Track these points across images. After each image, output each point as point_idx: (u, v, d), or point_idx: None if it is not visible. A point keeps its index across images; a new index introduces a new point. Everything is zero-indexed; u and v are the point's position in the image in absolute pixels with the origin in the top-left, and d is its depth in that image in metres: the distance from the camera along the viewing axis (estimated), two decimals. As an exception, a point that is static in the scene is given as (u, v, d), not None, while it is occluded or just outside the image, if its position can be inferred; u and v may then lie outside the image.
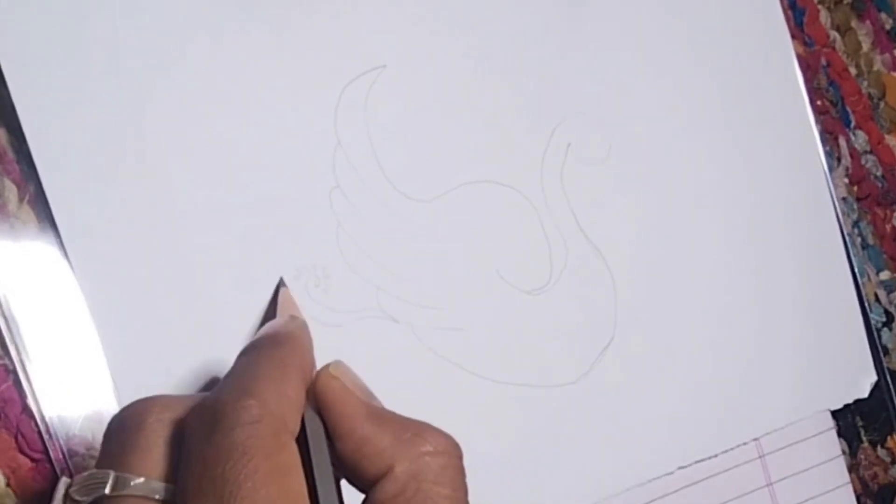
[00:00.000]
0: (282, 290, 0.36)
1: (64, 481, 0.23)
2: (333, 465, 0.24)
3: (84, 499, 0.22)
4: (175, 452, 0.23)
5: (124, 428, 0.24)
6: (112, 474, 0.22)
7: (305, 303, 0.37)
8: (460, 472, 0.25)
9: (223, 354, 0.35)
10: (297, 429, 0.24)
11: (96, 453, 0.34)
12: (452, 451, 0.25)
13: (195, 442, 0.22)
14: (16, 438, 0.34)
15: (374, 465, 0.24)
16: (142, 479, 0.22)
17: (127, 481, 0.22)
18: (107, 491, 0.22)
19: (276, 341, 0.26)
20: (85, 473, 0.23)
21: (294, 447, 0.23)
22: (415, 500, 0.23)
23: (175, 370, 0.35)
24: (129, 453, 0.23)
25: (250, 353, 0.26)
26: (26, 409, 0.34)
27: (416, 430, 0.25)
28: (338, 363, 0.26)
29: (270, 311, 0.36)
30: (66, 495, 0.23)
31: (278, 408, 0.23)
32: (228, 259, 0.36)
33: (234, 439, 0.21)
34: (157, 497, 0.22)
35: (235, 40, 0.36)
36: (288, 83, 0.37)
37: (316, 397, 0.25)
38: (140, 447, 0.23)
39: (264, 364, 0.25)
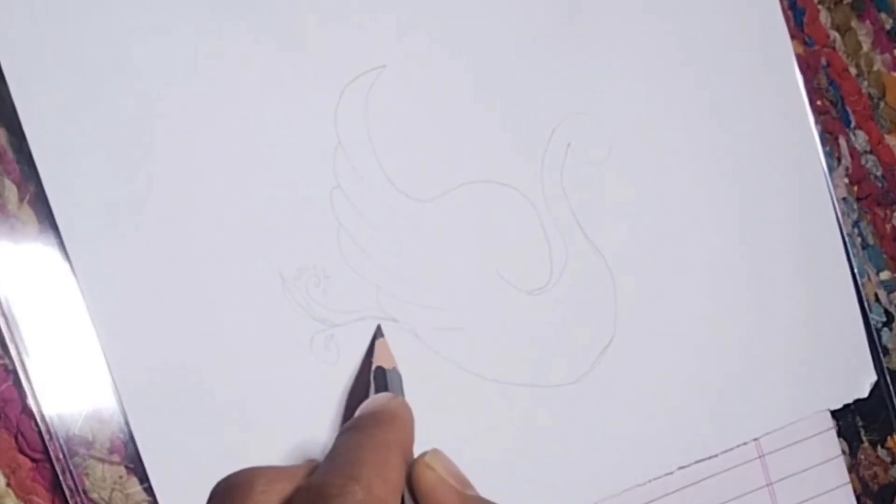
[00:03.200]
0: (378, 341, 0.37)
1: None
2: None
3: None
4: None
5: (230, 496, 0.24)
6: None
7: (306, 303, 0.37)
8: None
9: (224, 354, 0.36)
10: None
11: (96, 453, 0.34)
12: None
13: None
14: (16, 438, 0.34)
15: None
16: None
17: None
18: None
19: (378, 421, 0.27)
20: None
21: None
22: None
23: (175, 370, 0.35)
24: None
25: (354, 433, 0.26)
26: (26, 409, 0.34)
27: None
28: (434, 452, 0.27)
29: (367, 360, 0.37)
30: None
31: (381, 492, 0.23)
32: (229, 259, 0.36)
33: None
34: None
35: (236, 41, 0.36)
36: (288, 83, 0.37)
37: (412, 486, 0.26)
38: None
39: (368, 447, 0.25)
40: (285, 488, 0.24)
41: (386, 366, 0.36)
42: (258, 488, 0.24)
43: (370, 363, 0.37)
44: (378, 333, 0.37)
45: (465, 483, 0.26)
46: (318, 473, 0.24)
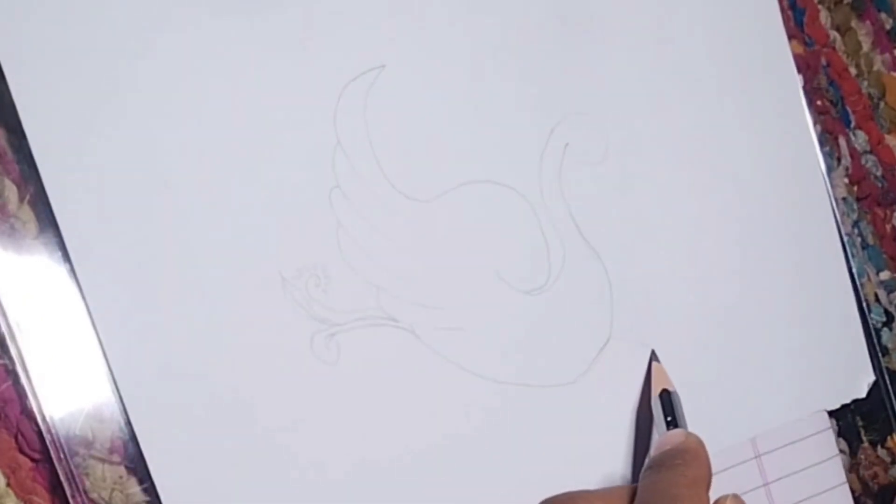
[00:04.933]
0: (654, 365, 0.39)
1: None
2: None
3: None
4: None
5: None
6: None
7: (306, 302, 0.37)
8: None
9: (224, 353, 0.36)
10: None
11: (96, 453, 0.34)
12: None
13: None
14: (16, 438, 0.34)
15: None
16: None
17: None
18: None
19: (686, 460, 0.29)
20: None
21: None
22: None
23: (175, 370, 0.35)
24: None
25: (666, 472, 0.29)
26: (26, 409, 0.34)
27: None
28: (736, 496, 0.29)
29: (646, 386, 0.39)
30: None
31: None
32: (228, 259, 0.36)
33: None
34: None
35: (236, 41, 0.36)
36: (287, 83, 0.37)
37: None
38: None
39: (683, 485, 0.28)
40: None
41: (669, 388, 0.38)
42: None
43: (648, 389, 0.39)
44: (653, 356, 0.40)
45: None
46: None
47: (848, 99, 0.47)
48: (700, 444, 0.31)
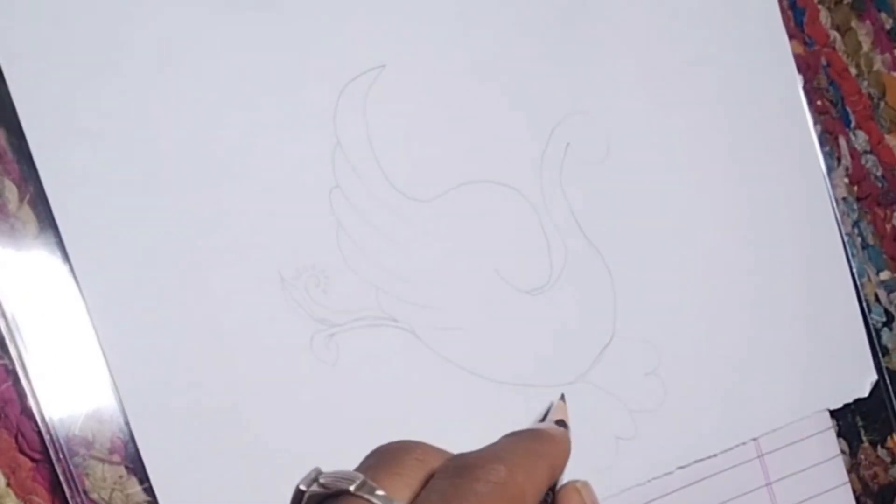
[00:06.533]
0: (558, 403, 0.39)
1: (316, 468, 0.25)
2: None
3: (330, 485, 0.25)
4: (420, 488, 0.25)
5: (388, 453, 0.26)
6: (362, 478, 0.25)
7: (305, 303, 0.37)
8: None
9: (223, 354, 0.36)
10: None
11: (96, 453, 0.34)
12: None
13: (440, 481, 0.25)
14: (16, 438, 0.34)
15: None
16: (384, 493, 0.24)
17: (372, 489, 0.24)
18: (351, 488, 0.24)
19: (537, 436, 0.29)
20: (339, 470, 0.25)
21: None
22: None
23: (175, 370, 0.35)
24: (383, 471, 0.25)
25: (513, 437, 0.29)
26: (26, 410, 0.34)
27: None
28: (585, 482, 0.29)
29: (543, 418, 0.39)
30: (315, 479, 0.25)
31: (522, 481, 0.25)
32: (228, 259, 0.36)
33: (476, 489, 0.24)
34: None
35: (235, 41, 0.36)
36: (287, 83, 0.37)
37: (557, 502, 0.28)
38: (394, 471, 0.25)
39: (522, 450, 0.27)
40: (438, 461, 0.26)
41: (565, 420, 0.37)
42: (414, 455, 0.26)
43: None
44: (561, 398, 0.39)
45: None
46: (468, 453, 0.26)
47: (848, 99, 0.47)
48: (563, 434, 0.31)
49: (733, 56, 0.44)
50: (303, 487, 0.25)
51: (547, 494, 0.28)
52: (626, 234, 0.41)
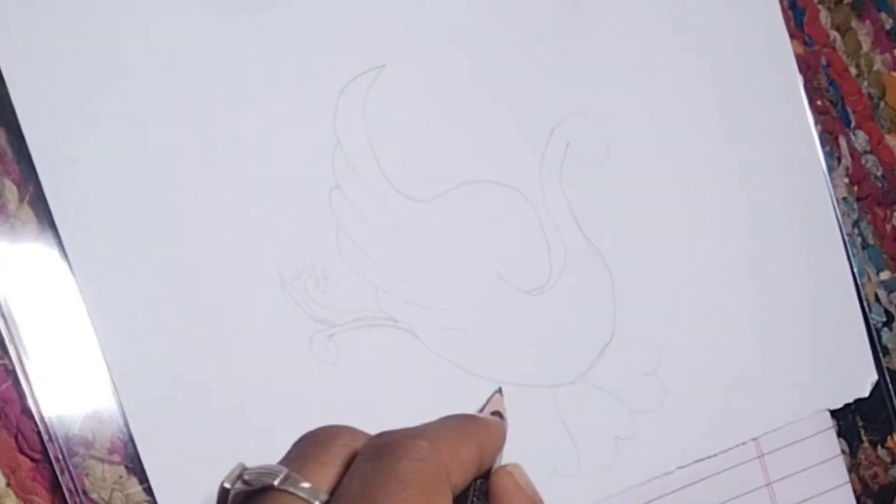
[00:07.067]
0: (495, 396, 0.38)
1: (240, 464, 0.25)
2: None
3: (254, 480, 0.24)
4: (345, 473, 0.25)
5: (312, 442, 0.26)
6: (286, 471, 0.24)
7: (305, 303, 0.37)
8: None
9: (223, 354, 0.36)
10: (459, 487, 0.25)
11: (96, 453, 0.34)
12: None
13: (362, 463, 0.24)
14: (16, 438, 0.34)
15: None
16: (309, 485, 0.24)
17: (297, 482, 0.24)
18: (275, 483, 0.24)
19: (468, 418, 0.29)
20: (264, 464, 0.25)
21: (449, 496, 0.24)
22: None
23: (174, 370, 0.35)
24: (308, 461, 0.25)
25: (444, 419, 0.28)
26: (26, 409, 0.34)
27: None
28: (517, 464, 0.28)
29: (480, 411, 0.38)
30: (239, 476, 0.25)
31: (447, 457, 0.25)
32: (228, 259, 0.36)
33: (398, 469, 0.23)
34: (316, 503, 0.24)
35: (235, 41, 0.36)
36: (287, 83, 0.37)
37: (490, 487, 0.27)
38: (319, 460, 0.25)
39: (448, 428, 0.27)
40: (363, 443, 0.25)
41: (502, 412, 0.37)
42: (340, 441, 0.25)
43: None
44: (499, 391, 0.39)
45: (539, 500, 0.28)
46: (391, 431, 0.26)
47: (848, 99, 0.47)
48: (497, 421, 0.31)
49: (733, 56, 0.44)
50: (227, 485, 0.25)
51: (480, 482, 0.27)
52: (625, 234, 0.41)
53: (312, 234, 0.37)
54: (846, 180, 0.47)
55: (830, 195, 0.46)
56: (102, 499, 0.34)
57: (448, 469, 0.24)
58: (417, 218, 0.39)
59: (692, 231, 0.43)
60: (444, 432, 0.26)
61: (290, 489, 0.23)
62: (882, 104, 0.48)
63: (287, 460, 0.25)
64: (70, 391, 0.34)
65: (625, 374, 0.41)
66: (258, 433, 0.36)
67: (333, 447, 0.25)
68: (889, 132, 0.48)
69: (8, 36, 0.34)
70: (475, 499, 0.26)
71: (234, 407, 0.36)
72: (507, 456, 0.39)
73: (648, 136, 0.42)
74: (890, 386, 0.46)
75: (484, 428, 0.28)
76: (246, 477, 0.24)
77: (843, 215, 0.46)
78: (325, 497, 0.24)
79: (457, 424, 0.27)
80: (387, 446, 0.24)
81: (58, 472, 0.34)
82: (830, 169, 0.46)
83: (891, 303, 0.47)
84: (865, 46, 0.48)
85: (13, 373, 0.33)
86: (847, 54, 0.48)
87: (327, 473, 0.24)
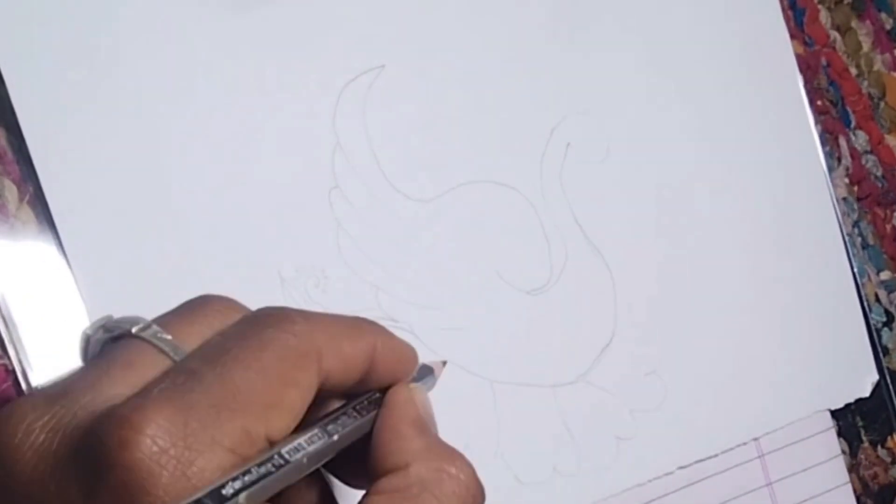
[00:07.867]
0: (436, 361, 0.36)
1: (106, 315, 0.24)
2: (341, 456, 0.24)
3: (114, 328, 0.23)
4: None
5: (188, 304, 0.24)
6: (147, 321, 0.23)
7: (305, 303, 0.37)
8: None
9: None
10: (336, 380, 0.24)
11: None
12: (472, 488, 0.25)
13: (231, 327, 0.23)
14: (15, 438, 0.34)
15: (394, 458, 0.24)
16: (169, 337, 0.22)
17: (156, 333, 0.22)
18: (134, 329, 0.22)
19: (368, 321, 0.26)
20: (130, 315, 0.23)
21: (311, 379, 0.23)
22: (413, 502, 0.23)
23: (174, 370, 0.35)
24: (177, 318, 0.23)
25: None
26: (26, 409, 0.33)
27: (450, 452, 0.25)
28: (420, 386, 0.27)
29: None
30: (102, 326, 0.23)
31: (322, 341, 0.23)
32: (228, 259, 0.36)
33: (262, 335, 0.22)
34: (174, 357, 0.22)
35: (235, 41, 0.36)
36: (287, 84, 0.37)
37: (386, 396, 0.26)
38: (188, 320, 0.23)
39: (340, 320, 0.25)
40: (241, 314, 0.24)
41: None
42: (214, 307, 0.24)
43: None
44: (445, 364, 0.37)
45: (430, 417, 0.26)
46: (275, 307, 0.24)
47: (848, 99, 0.47)
48: (408, 347, 0.28)
49: (734, 56, 0.44)
50: (88, 332, 0.23)
51: (377, 394, 0.25)
52: (625, 234, 0.41)
53: (312, 233, 0.37)
54: (846, 180, 0.47)
55: (830, 195, 0.46)
56: (102, 499, 0.34)
57: (321, 353, 0.23)
58: (417, 218, 0.38)
59: (692, 231, 0.43)
60: (331, 320, 0.24)
61: (149, 338, 0.22)
62: (882, 104, 0.48)
63: (157, 317, 0.24)
64: (70, 391, 0.34)
65: (625, 374, 0.41)
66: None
67: (207, 310, 0.24)
68: (889, 132, 0.48)
69: (8, 36, 0.34)
70: (366, 402, 0.25)
71: (234, 407, 0.35)
72: (507, 456, 0.39)
73: (649, 137, 0.42)
74: (890, 386, 0.46)
75: (382, 336, 0.26)
76: (106, 325, 0.23)
77: (843, 215, 0.46)
78: (182, 353, 0.22)
79: (351, 320, 0.25)
80: (260, 315, 0.23)
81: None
82: (830, 169, 0.46)
83: (891, 303, 0.47)
84: (865, 46, 0.48)
85: (13, 373, 0.33)
86: (847, 54, 0.48)
87: (194, 333, 0.23)
